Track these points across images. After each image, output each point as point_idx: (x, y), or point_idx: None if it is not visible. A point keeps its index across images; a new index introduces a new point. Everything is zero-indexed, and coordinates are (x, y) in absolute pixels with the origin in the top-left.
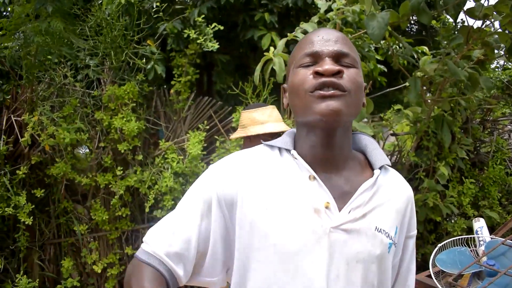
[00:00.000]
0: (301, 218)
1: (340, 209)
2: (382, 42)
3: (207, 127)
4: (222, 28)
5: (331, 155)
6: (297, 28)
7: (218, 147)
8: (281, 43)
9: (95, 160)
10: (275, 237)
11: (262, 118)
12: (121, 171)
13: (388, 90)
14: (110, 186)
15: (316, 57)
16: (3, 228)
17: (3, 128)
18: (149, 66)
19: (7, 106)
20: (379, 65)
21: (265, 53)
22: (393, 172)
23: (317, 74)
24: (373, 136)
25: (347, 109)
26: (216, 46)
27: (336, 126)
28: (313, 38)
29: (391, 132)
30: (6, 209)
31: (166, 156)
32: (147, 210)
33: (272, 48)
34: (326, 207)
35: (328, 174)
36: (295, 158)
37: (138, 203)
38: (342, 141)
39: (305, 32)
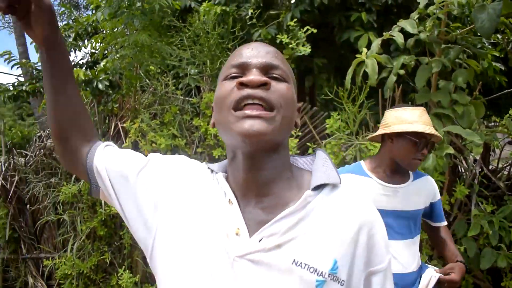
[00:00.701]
0: (211, 242)
1: (251, 237)
2: (499, 36)
3: (300, 133)
4: (315, 31)
5: (255, 179)
6: (394, 26)
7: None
8: (375, 43)
9: None
10: (182, 257)
11: (411, 118)
12: None
13: (508, 91)
14: None
15: (243, 69)
16: (111, 225)
17: (111, 134)
18: None
19: (115, 114)
20: (496, 64)
21: (357, 55)
22: (343, 192)
23: (241, 85)
24: (485, 144)
25: (274, 130)
26: (308, 50)
27: (261, 149)
28: (242, 50)
29: (509, 139)
30: (112, 208)
31: None
32: None
33: (364, 50)
34: (236, 234)
35: (249, 199)
36: (218, 181)
37: None
38: (270, 163)
39: (402, 31)
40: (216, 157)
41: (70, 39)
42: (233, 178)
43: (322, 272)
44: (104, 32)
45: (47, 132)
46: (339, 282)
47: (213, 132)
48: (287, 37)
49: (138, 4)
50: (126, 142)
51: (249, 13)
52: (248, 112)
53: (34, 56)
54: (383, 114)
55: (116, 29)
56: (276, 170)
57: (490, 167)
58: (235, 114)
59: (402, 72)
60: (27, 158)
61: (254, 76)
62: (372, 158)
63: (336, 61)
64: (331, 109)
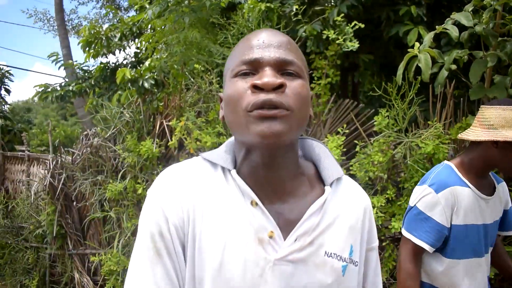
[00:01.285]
0: (245, 249)
1: (285, 238)
2: None
3: (347, 131)
4: (362, 26)
5: (275, 177)
6: (447, 19)
7: (359, 152)
8: (427, 37)
9: None
10: (224, 270)
11: None
12: None
13: None
14: None
15: (255, 65)
16: None
17: (157, 132)
18: None
19: (160, 112)
20: None
21: (409, 50)
22: (345, 183)
23: (255, 88)
24: None
25: (291, 129)
26: (356, 45)
27: (279, 148)
28: (252, 41)
29: None
30: None
31: None
32: None
33: (417, 44)
34: (270, 237)
35: (273, 197)
36: (235, 180)
37: None
38: (286, 160)
39: (458, 24)
40: None
41: (116, 39)
42: (250, 176)
43: (345, 258)
44: (153, 31)
45: (94, 130)
46: (354, 263)
47: None
48: (334, 33)
49: (186, 1)
50: (172, 140)
51: (294, 9)
52: (263, 112)
53: (76, 58)
54: (433, 111)
55: (165, 26)
56: (291, 167)
57: None
58: (250, 114)
59: (454, 67)
60: (74, 156)
61: (268, 78)
62: (462, 159)
63: (382, 57)
64: (376, 106)
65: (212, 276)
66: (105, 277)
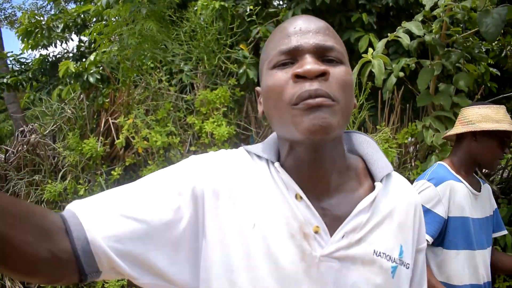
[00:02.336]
0: (288, 244)
1: (331, 234)
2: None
3: None
4: None
5: (320, 172)
6: (398, 28)
7: None
8: (380, 44)
9: None
10: (259, 259)
11: (497, 116)
12: None
13: (500, 97)
14: None
15: (293, 54)
16: None
17: (101, 130)
18: (241, 71)
19: (106, 109)
20: (491, 68)
21: (363, 55)
22: (394, 178)
23: (297, 77)
24: None
25: (338, 121)
26: None
27: (326, 142)
28: (288, 30)
29: None
30: None
31: None
32: None
33: (370, 50)
34: (316, 232)
35: (318, 192)
36: (278, 172)
37: None
38: (333, 154)
39: (408, 32)
40: None
41: (58, 30)
42: (295, 170)
43: (394, 258)
44: (100, 21)
45: (31, 126)
46: (404, 265)
47: (208, 130)
48: None
49: None
50: (119, 138)
51: (248, 10)
52: (310, 101)
53: (10, 49)
54: (382, 116)
55: (118, 17)
56: (338, 161)
57: (484, 170)
58: (296, 107)
59: (401, 74)
60: (7, 154)
61: (310, 65)
62: (451, 159)
63: None
64: None
65: (247, 265)
66: (40, 285)
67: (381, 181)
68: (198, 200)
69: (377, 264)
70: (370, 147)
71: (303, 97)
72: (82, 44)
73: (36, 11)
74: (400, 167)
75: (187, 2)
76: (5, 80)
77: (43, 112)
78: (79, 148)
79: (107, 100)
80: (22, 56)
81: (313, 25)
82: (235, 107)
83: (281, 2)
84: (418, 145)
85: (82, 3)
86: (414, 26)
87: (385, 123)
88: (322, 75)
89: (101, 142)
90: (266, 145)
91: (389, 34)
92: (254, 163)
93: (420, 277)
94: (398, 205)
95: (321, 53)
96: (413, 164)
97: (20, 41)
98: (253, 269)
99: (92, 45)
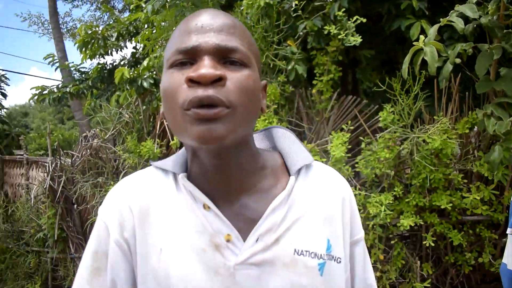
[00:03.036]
0: (199, 258)
1: (245, 239)
2: None
3: (352, 127)
4: (364, 20)
5: (226, 177)
6: (451, 12)
7: (364, 149)
8: (433, 30)
9: None
10: (174, 284)
11: None
12: None
13: None
14: None
15: (191, 54)
16: None
17: (157, 132)
18: (290, 67)
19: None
20: None
21: (414, 43)
22: (318, 169)
23: (192, 81)
24: None
25: (234, 130)
26: (359, 40)
27: (224, 149)
28: (189, 25)
29: None
30: None
31: None
32: None
33: (422, 37)
34: (228, 240)
35: (229, 197)
36: (185, 184)
37: None
38: (239, 159)
39: (462, 16)
40: None
41: (113, 39)
42: (200, 177)
43: (321, 255)
44: (150, 27)
45: (93, 132)
46: (335, 260)
47: (259, 128)
48: (335, 28)
49: None
50: (173, 140)
51: (293, 5)
52: (201, 112)
53: (72, 60)
54: (439, 106)
55: (164, 22)
56: (246, 163)
57: None
58: (188, 113)
59: (458, 60)
60: (73, 159)
61: (205, 70)
62: None
63: (383, 52)
64: (378, 102)
65: None
66: None
67: (298, 174)
68: (124, 248)
69: (300, 263)
70: (286, 141)
71: (194, 102)
72: (136, 51)
73: (94, 22)
74: (462, 158)
75: (233, 2)
76: (68, 89)
77: (103, 117)
78: (137, 151)
79: (161, 104)
80: (82, 65)
81: (217, 22)
82: (285, 103)
83: None
84: (480, 135)
85: (134, 11)
86: (468, 9)
87: (443, 113)
88: (219, 80)
89: (157, 143)
90: (176, 157)
91: (441, 19)
92: (161, 180)
93: (363, 269)
94: (321, 197)
95: (222, 55)
96: (476, 155)
97: (79, 52)
98: None
99: (141, 51)
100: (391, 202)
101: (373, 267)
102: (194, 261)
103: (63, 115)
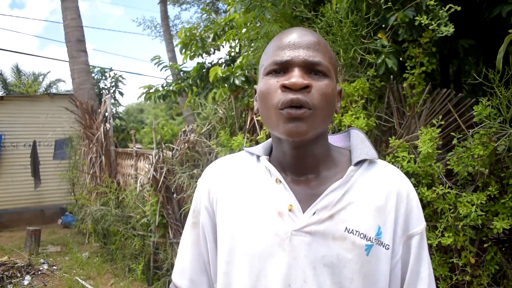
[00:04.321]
0: (264, 220)
1: (304, 211)
2: None
3: (442, 122)
4: (459, 8)
5: (301, 163)
6: None
7: (457, 145)
8: None
9: None
10: (239, 239)
11: None
12: None
13: None
14: None
15: (285, 66)
16: None
17: (248, 127)
18: (379, 60)
19: (251, 108)
20: None
21: (510, 31)
22: (380, 166)
23: (285, 87)
24: None
25: (315, 128)
26: (451, 30)
27: (305, 142)
28: (283, 41)
29: None
30: None
31: (396, 154)
32: None
33: None
34: (290, 210)
35: (298, 177)
36: (265, 163)
37: None
38: (313, 150)
39: None
40: None
41: (210, 40)
42: (279, 160)
43: (370, 237)
44: (237, 28)
45: (191, 127)
46: (383, 246)
47: (347, 123)
48: (427, 18)
49: None
50: (260, 135)
51: None
52: (292, 112)
53: (180, 60)
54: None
55: (248, 23)
56: (318, 155)
57: None
58: (280, 112)
59: None
60: (173, 151)
61: (296, 79)
62: None
63: (485, 42)
64: (480, 95)
65: (233, 246)
66: None
67: (360, 167)
68: (209, 211)
69: (349, 240)
70: (357, 139)
71: (286, 103)
72: (232, 50)
73: (201, 23)
74: None
75: None
76: (171, 88)
77: (202, 113)
78: (229, 145)
79: (251, 100)
80: (184, 65)
81: (305, 40)
82: (375, 98)
83: None
84: None
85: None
86: None
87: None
88: (305, 87)
89: (247, 138)
90: (263, 144)
91: None
92: (246, 160)
93: (416, 261)
94: (377, 188)
95: (309, 67)
96: None
97: (180, 53)
98: (234, 248)
99: (233, 52)
100: (484, 202)
101: (463, 270)
102: (258, 223)
103: (173, 111)
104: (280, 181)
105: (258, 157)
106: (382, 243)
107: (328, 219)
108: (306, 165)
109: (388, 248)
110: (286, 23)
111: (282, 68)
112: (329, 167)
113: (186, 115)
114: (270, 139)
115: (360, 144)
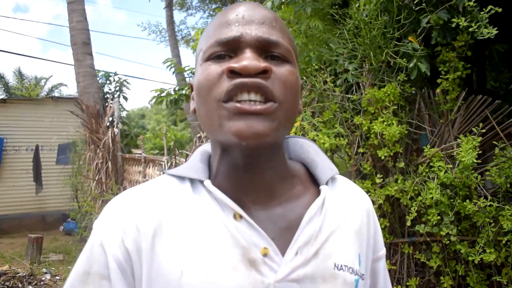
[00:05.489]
0: (231, 277)
1: (283, 253)
2: None
3: (484, 130)
4: (500, 10)
5: (259, 179)
6: None
7: (497, 154)
8: None
9: (354, 166)
10: None
11: None
12: (381, 179)
13: None
14: (369, 194)
15: (232, 46)
16: None
17: None
18: (411, 65)
19: None
20: None
21: None
22: (341, 182)
23: (233, 73)
24: None
25: (278, 127)
26: (494, 32)
27: (262, 149)
28: (229, 16)
29: None
30: None
31: (431, 164)
32: (408, 223)
33: None
34: (265, 255)
35: (259, 205)
36: (210, 192)
37: (398, 214)
38: (273, 161)
39: None
40: (382, 158)
41: None
42: (230, 182)
43: (356, 271)
44: None
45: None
46: (361, 277)
47: (377, 131)
48: (465, 20)
49: None
50: None
51: None
52: (244, 106)
53: (187, 65)
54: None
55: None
56: (280, 168)
57: None
58: (226, 107)
59: None
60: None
61: (248, 61)
62: None
63: None
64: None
65: None
66: None
67: (326, 184)
68: (124, 267)
69: (340, 279)
70: (310, 150)
71: (235, 89)
72: None
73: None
74: None
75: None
76: (184, 92)
77: None
78: None
79: None
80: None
81: (259, 14)
82: (405, 104)
83: None
84: None
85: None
86: None
87: None
88: (263, 72)
89: None
90: (195, 161)
91: None
92: (176, 190)
93: (384, 284)
94: (351, 210)
95: (264, 48)
96: None
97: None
98: None
99: None
100: None
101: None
102: (224, 282)
103: (175, 117)
104: (241, 216)
105: (191, 181)
106: (362, 274)
107: (314, 257)
108: (266, 183)
109: (363, 279)
110: (321, 21)
111: (228, 50)
112: (292, 186)
113: (192, 120)
114: (195, 154)
115: (318, 157)
